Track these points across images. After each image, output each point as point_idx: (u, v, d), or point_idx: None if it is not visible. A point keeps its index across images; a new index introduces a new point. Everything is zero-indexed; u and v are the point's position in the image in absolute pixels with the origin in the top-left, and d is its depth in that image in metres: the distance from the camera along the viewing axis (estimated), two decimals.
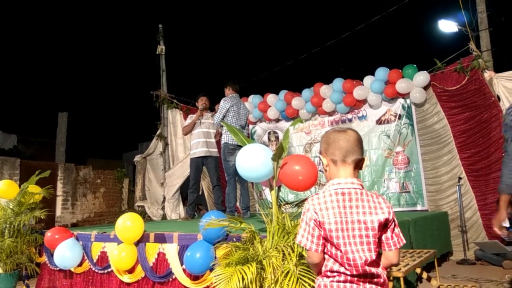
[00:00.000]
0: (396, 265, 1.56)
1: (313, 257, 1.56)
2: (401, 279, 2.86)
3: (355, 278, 1.49)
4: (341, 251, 1.48)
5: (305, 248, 1.57)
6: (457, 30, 6.34)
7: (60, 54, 16.84)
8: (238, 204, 5.45)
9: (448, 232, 5.73)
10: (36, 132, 13.25)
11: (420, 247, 4.20)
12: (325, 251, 1.55)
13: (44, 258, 4.54)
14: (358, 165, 1.60)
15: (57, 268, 4.27)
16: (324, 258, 1.56)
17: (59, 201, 7.34)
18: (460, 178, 5.57)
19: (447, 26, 6.95)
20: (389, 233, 1.53)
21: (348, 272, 1.48)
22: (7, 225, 4.53)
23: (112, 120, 17.49)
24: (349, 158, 1.57)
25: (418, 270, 3.52)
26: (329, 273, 1.53)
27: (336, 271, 1.51)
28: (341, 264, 1.50)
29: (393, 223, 1.54)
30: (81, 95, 16.47)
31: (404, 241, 1.55)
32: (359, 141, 1.61)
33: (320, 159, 1.67)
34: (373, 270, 1.49)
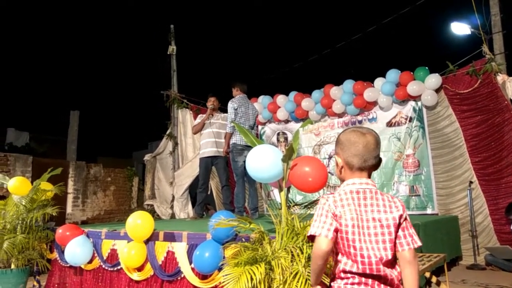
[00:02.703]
0: (414, 265, 1.50)
1: (321, 243, 1.49)
2: None
3: (370, 280, 1.48)
4: (355, 248, 1.48)
5: (316, 235, 1.50)
6: (470, 33, 6.28)
7: (73, 53, 17.05)
8: (246, 204, 5.46)
9: (458, 237, 5.67)
10: (48, 130, 13.41)
11: (429, 251, 4.17)
12: (339, 249, 1.54)
13: (55, 255, 4.59)
14: (374, 167, 1.60)
15: (68, 265, 4.32)
16: (331, 251, 1.53)
17: (69, 198, 7.42)
18: (471, 182, 5.51)
19: (460, 28, 6.88)
20: (400, 232, 1.52)
21: (361, 272, 1.47)
22: (20, 221, 4.60)
23: (122, 119, 17.63)
24: (366, 164, 1.57)
25: (428, 274, 3.49)
26: (342, 274, 1.52)
27: (349, 272, 1.50)
28: (354, 262, 1.49)
29: (406, 222, 1.53)
30: (93, 94, 16.62)
31: (419, 243, 1.51)
32: (378, 145, 1.59)
33: (335, 158, 1.65)
34: (388, 272, 1.48)
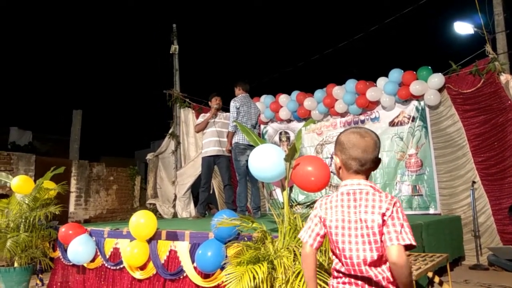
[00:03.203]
0: (399, 265, 1.40)
1: (304, 250, 1.63)
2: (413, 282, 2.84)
3: (359, 281, 1.48)
4: (339, 249, 1.51)
5: (302, 241, 1.64)
6: (473, 32, 6.24)
7: (76, 53, 17.10)
8: (248, 204, 5.46)
9: (460, 237, 5.66)
10: (51, 129, 13.45)
11: (432, 251, 4.16)
12: (331, 249, 1.59)
13: (58, 253, 4.61)
14: (372, 169, 1.59)
15: (70, 263, 4.34)
16: (315, 256, 1.63)
17: (72, 197, 7.44)
18: (474, 182, 5.50)
19: (463, 28, 6.85)
20: (384, 229, 1.46)
21: (347, 272, 1.50)
22: (23, 220, 4.62)
23: (125, 118, 17.68)
24: (364, 167, 1.56)
25: (430, 274, 3.48)
26: (335, 273, 1.57)
27: (339, 271, 1.53)
28: (341, 263, 1.52)
29: (390, 219, 1.45)
30: (96, 94, 16.68)
31: (408, 241, 1.41)
32: (377, 148, 1.57)
33: (334, 158, 1.66)
34: (373, 273, 1.46)
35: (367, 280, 1.47)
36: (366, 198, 1.51)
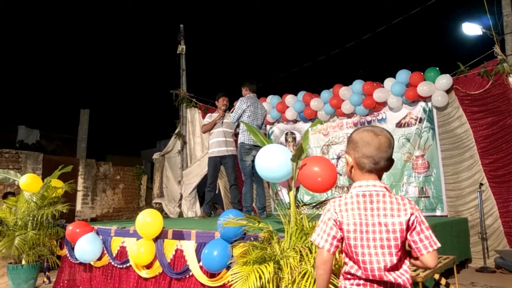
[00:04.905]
0: (432, 268, 1.49)
1: (322, 256, 1.52)
2: (420, 284, 2.83)
3: (375, 285, 1.45)
4: (357, 254, 1.45)
5: (318, 246, 1.54)
6: (482, 33, 6.19)
7: (83, 52, 17.22)
8: (254, 204, 5.47)
9: (467, 239, 5.62)
10: (59, 128, 13.58)
11: (439, 253, 4.09)
12: (345, 253, 1.53)
13: (65, 251, 4.65)
14: (385, 168, 1.55)
15: (77, 261, 4.37)
16: (332, 260, 1.55)
17: (79, 196, 7.50)
18: (481, 184, 5.45)
19: (471, 29, 6.80)
20: (415, 236, 1.46)
21: (365, 277, 1.45)
22: (30, 218, 4.67)
23: (131, 118, 17.80)
24: (377, 166, 1.52)
25: (437, 276, 3.47)
26: (349, 276, 1.51)
27: (353, 274, 1.48)
28: (358, 268, 1.46)
29: (418, 225, 1.47)
30: (103, 93, 16.79)
31: (439, 244, 1.47)
32: (391, 147, 1.53)
33: (345, 157, 1.60)
34: (392, 277, 1.44)
35: (386, 284, 1.44)
36: (384, 200, 1.47)
